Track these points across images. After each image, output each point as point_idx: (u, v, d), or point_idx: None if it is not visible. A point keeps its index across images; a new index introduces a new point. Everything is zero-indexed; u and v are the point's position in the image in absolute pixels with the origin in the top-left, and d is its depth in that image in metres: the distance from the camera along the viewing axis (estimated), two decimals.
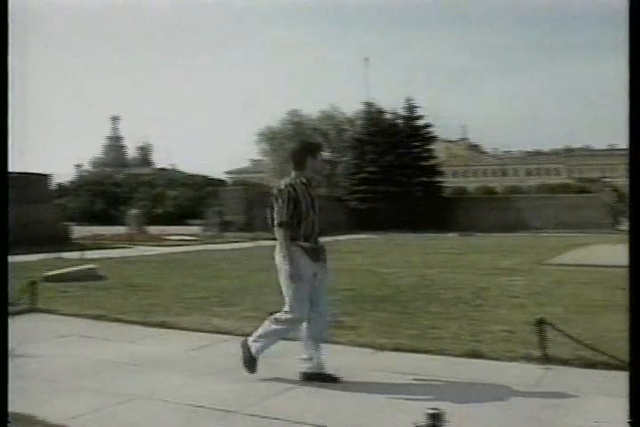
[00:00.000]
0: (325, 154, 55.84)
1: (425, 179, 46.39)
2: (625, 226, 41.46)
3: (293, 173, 4.81)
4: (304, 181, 4.77)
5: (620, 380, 4.69)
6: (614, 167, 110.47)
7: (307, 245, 4.65)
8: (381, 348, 5.78)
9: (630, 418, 2.06)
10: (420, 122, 47.97)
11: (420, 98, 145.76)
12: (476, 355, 5.43)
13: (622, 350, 5.46)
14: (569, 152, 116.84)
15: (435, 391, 4.43)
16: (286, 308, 4.63)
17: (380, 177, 44.17)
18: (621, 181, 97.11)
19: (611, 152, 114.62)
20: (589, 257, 16.71)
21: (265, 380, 4.67)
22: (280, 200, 4.62)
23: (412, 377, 4.79)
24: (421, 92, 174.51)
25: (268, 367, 4.81)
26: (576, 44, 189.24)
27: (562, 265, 14.33)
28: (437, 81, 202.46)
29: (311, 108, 56.76)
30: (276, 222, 4.61)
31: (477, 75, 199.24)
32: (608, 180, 75.33)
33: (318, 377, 4.64)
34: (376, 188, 43.76)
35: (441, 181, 49.45)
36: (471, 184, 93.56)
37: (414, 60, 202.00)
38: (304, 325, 4.71)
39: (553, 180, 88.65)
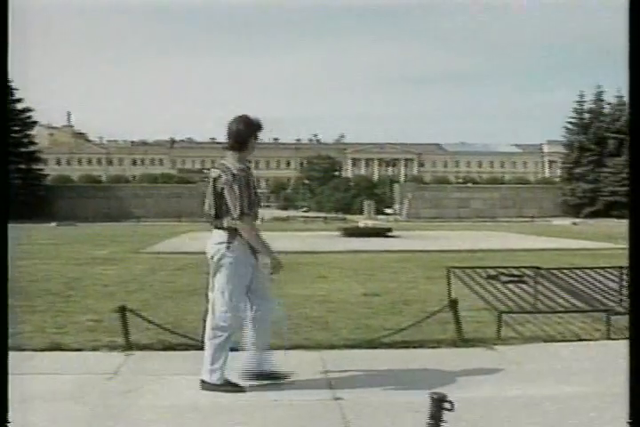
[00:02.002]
0: None
1: (24, 166, 43.76)
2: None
3: (236, 156, 4.14)
4: (248, 164, 4.20)
5: (195, 359, 5.01)
6: (214, 159, 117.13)
7: None
8: None
9: (630, 418, 2.17)
10: (20, 106, 45.08)
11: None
12: (58, 347, 5.31)
13: (200, 330, 5.82)
14: (172, 143, 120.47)
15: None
16: (221, 312, 4.17)
17: None
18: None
19: (211, 145, 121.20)
20: (185, 245, 17.45)
21: None
22: (236, 187, 4.00)
23: None
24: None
25: None
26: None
27: (158, 253, 14.75)
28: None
29: None
30: (237, 214, 4.00)
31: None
32: (207, 171, 79.42)
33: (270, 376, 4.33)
34: None
35: (42, 169, 47.29)
36: (75, 173, 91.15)
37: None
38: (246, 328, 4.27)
39: (157, 170, 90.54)
